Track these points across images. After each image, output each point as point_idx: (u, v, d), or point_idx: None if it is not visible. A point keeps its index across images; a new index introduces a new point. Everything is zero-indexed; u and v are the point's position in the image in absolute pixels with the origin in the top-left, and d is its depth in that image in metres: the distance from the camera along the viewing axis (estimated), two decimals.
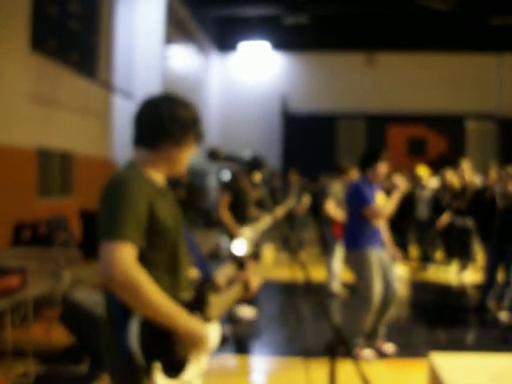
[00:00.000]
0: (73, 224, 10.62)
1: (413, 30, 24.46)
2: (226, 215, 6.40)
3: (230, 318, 6.43)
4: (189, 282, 2.21)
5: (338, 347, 2.19)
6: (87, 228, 6.57)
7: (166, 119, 2.16)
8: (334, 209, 8.03)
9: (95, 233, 6.21)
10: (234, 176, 6.68)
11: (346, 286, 8.17)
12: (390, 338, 5.73)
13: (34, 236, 9.10)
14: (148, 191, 2.07)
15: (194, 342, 2.03)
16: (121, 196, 1.99)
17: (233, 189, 6.54)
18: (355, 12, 23.37)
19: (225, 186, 6.63)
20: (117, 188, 2.02)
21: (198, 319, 2.08)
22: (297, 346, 5.94)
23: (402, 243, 11.12)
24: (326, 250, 12.38)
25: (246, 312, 6.79)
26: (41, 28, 10.40)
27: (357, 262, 5.42)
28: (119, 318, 1.98)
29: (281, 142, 25.36)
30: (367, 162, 5.57)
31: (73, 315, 5.24)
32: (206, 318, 2.14)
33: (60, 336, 5.64)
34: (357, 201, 5.46)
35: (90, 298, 5.33)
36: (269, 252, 7.72)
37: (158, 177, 2.21)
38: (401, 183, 5.45)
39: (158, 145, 2.18)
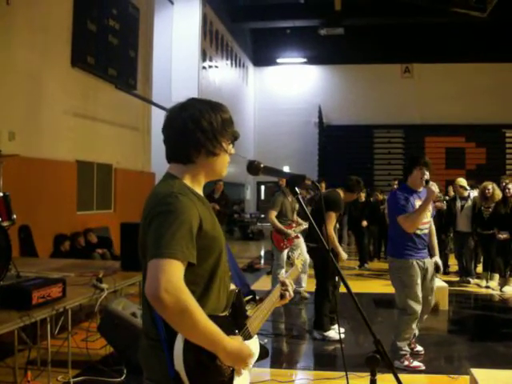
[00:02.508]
0: (112, 236, 10.76)
1: (450, 40, 24.21)
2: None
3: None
4: (229, 296, 2.15)
5: (378, 361, 2.16)
6: (126, 240, 6.62)
7: (194, 132, 2.08)
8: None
9: (134, 245, 6.24)
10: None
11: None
12: (430, 352, 5.66)
13: (74, 248, 9.23)
14: (196, 204, 2.01)
15: (238, 363, 1.98)
16: (172, 210, 1.91)
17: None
18: (391, 23, 23.20)
19: (332, 205, 6.49)
20: (167, 201, 1.94)
21: (239, 337, 2.02)
22: (337, 359, 5.91)
23: (442, 255, 10.96)
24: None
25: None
26: (81, 44, 10.63)
27: (399, 271, 5.40)
28: (164, 339, 1.92)
29: (317, 154, 25.26)
30: (406, 168, 5.57)
31: (111, 326, 5.28)
32: (247, 335, 2.10)
33: (98, 346, 5.70)
34: (393, 209, 5.47)
35: (128, 309, 5.37)
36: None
37: (198, 187, 2.15)
38: (434, 189, 5.36)
39: (193, 159, 2.11)
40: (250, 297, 2.26)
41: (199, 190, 2.14)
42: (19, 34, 8.89)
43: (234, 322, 2.07)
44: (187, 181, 2.10)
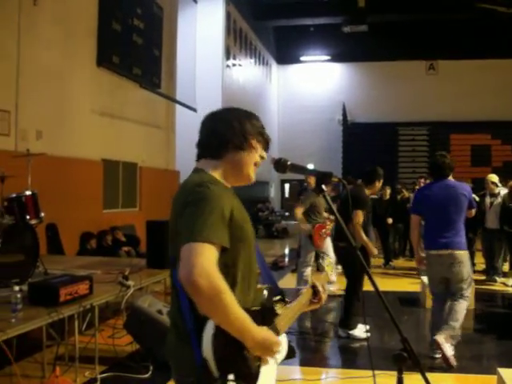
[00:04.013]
0: (137, 233, 10.84)
1: (475, 36, 23.94)
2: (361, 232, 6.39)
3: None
4: (258, 292, 2.16)
5: (405, 359, 2.15)
6: (152, 238, 6.67)
7: (223, 130, 2.14)
8: None
9: (160, 242, 6.28)
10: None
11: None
12: (456, 351, 5.61)
13: (100, 245, 9.32)
14: (227, 193, 2.05)
15: (265, 352, 1.99)
16: (204, 198, 1.93)
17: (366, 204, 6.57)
18: (415, 19, 23.01)
19: (359, 203, 6.46)
20: (198, 190, 1.97)
21: (266, 328, 2.02)
22: (363, 358, 5.90)
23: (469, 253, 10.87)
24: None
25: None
26: (106, 43, 10.74)
27: (468, 261, 5.62)
28: (191, 328, 1.94)
29: (342, 151, 25.16)
30: (452, 166, 5.78)
31: (137, 323, 5.33)
32: (275, 331, 2.08)
33: (124, 343, 5.76)
34: (472, 201, 5.75)
35: (154, 307, 5.42)
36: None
37: (227, 184, 2.17)
38: None
39: (221, 154, 2.15)
40: (279, 297, 2.26)
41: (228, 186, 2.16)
42: (46, 35, 9.00)
43: (263, 318, 2.07)
44: (215, 175, 2.13)
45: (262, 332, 1.97)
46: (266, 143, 2.24)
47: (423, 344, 5.74)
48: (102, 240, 9.48)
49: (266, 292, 2.16)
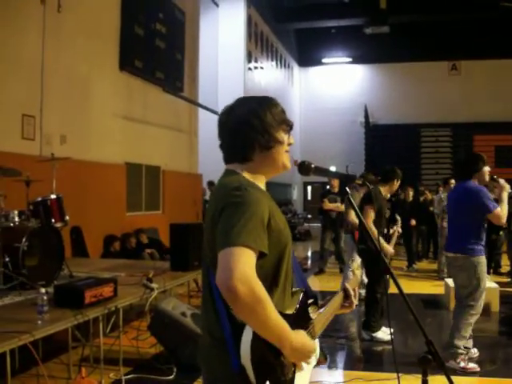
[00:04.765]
0: (161, 236, 10.91)
1: (498, 35, 23.68)
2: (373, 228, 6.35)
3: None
4: (294, 296, 2.13)
5: (430, 361, 2.14)
6: (175, 240, 6.72)
7: (245, 131, 2.07)
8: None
9: (183, 245, 6.31)
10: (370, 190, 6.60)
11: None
12: (481, 354, 5.57)
13: (123, 248, 9.40)
14: (265, 196, 2.00)
15: (301, 359, 1.97)
16: (242, 202, 1.88)
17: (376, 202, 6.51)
18: (437, 19, 22.83)
19: (368, 200, 6.43)
20: (236, 193, 1.91)
21: (303, 332, 2.00)
22: (387, 360, 5.88)
23: (492, 255, 10.77)
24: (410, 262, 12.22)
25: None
26: (129, 48, 10.84)
27: (476, 267, 5.29)
28: (228, 334, 1.89)
29: (364, 154, 25.05)
30: (473, 166, 5.47)
31: (161, 325, 5.37)
32: (311, 335, 2.07)
33: (148, 345, 5.80)
34: (483, 205, 5.28)
35: (178, 309, 5.45)
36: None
37: (261, 182, 2.12)
38: (504, 183, 5.36)
39: (250, 157, 2.10)
40: (312, 300, 2.24)
41: (261, 186, 2.11)
42: (69, 40, 9.11)
43: (298, 323, 2.02)
44: (248, 177, 2.08)
45: (300, 338, 1.94)
46: (290, 128, 2.18)
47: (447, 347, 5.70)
48: (125, 242, 9.56)
49: (300, 296, 2.14)
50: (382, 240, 6.46)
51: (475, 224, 5.33)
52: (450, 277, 5.78)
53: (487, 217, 5.29)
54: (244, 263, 1.77)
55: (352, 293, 2.41)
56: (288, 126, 2.17)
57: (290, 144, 2.17)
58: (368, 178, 8.45)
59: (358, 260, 2.35)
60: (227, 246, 1.80)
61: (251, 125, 2.07)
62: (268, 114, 2.10)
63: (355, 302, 2.42)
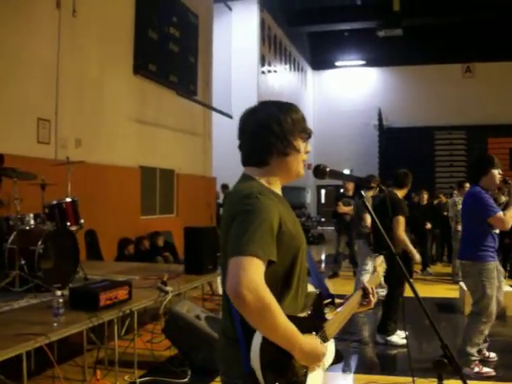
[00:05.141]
0: (175, 239, 10.94)
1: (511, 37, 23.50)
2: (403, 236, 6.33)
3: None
4: (309, 298, 2.15)
5: (446, 365, 2.13)
6: (190, 244, 6.73)
7: (264, 136, 2.09)
8: None
9: (198, 249, 6.33)
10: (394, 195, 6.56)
11: None
12: (498, 358, 5.54)
13: (138, 251, 9.44)
14: (276, 203, 2.01)
15: (312, 362, 1.99)
16: (252, 210, 1.92)
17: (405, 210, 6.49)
18: (451, 22, 22.72)
19: (399, 209, 6.42)
20: (247, 201, 1.95)
21: (314, 336, 2.03)
22: (401, 364, 5.86)
23: (508, 259, 10.70)
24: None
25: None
26: (142, 52, 10.89)
27: (482, 274, 5.19)
28: (240, 336, 1.95)
29: (378, 157, 24.98)
30: (481, 169, 5.37)
31: (176, 328, 5.39)
32: (323, 337, 2.09)
33: (162, 348, 5.82)
34: (481, 210, 5.20)
35: (193, 312, 5.47)
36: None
37: (275, 188, 2.14)
38: None
39: (267, 161, 2.12)
40: (329, 300, 2.25)
41: (277, 190, 2.14)
42: (84, 44, 9.18)
43: (312, 324, 2.06)
44: (264, 182, 2.11)
45: (310, 342, 1.96)
46: (308, 137, 2.20)
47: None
48: (139, 245, 9.60)
49: (317, 296, 2.15)
50: (411, 247, 6.44)
51: (480, 229, 5.22)
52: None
53: (488, 222, 5.14)
54: (252, 272, 1.81)
55: (370, 291, 2.41)
56: (307, 134, 2.19)
57: (307, 152, 2.20)
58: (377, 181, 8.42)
59: (382, 259, 2.34)
60: (236, 255, 1.85)
61: (271, 130, 2.09)
62: (288, 121, 2.12)
63: (374, 300, 2.42)
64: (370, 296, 2.41)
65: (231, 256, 1.86)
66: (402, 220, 6.29)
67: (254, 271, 1.81)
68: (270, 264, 1.90)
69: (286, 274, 2.03)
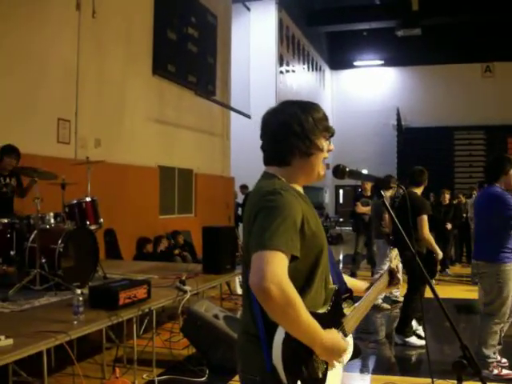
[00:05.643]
0: (193, 239, 10.98)
1: None
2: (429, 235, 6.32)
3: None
4: (328, 293, 2.14)
5: (465, 367, 2.11)
6: (208, 243, 6.75)
7: (286, 136, 2.09)
8: None
9: (216, 248, 6.35)
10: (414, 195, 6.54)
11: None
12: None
13: (156, 250, 9.48)
14: (299, 201, 2.01)
15: (333, 357, 1.99)
16: (275, 206, 1.91)
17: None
18: (470, 21, 22.51)
19: (423, 208, 6.39)
20: (270, 197, 1.95)
21: (335, 331, 2.03)
22: (420, 365, 5.83)
23: None
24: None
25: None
26: (161, 52, 10.94)
27: (498, 276, 5.15)
28: (262, 333, 1.95)
29: (396, 157, 24.83)
30: (501, 169, 5.30)
31: (194, 327, 5.41)
32: (343, 333, 2.09)
33: (181, 347, 5.85)
34: (504, 210, 5.14)
35: (211, 311, 5.49)
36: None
37: (298, 188, 2.14)
38: None
39: (289, 162, 2.12)
40: (347, 295, 2.26)
41: (298, 188, 2.14)
42: (103, 45, 9.25)
43: (332, 320, 2.06)
44: (286, 180, 2.11)
45: (331, 337, 1.96)
46: (331, 135, 2.20)
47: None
48: (157, 245, 9.64)
49: (335, 292, 2.15)
50: (436, 246, 6.40)
51: (499, 230, 5.17)
52: None
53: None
54: (276, 266, 1.81)
55: (397, 269, 2.47)
56: (329, 132, 2.19)
57: (329, 150, 2.19)
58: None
59: (397, 252, 2.33)
60: (260, 250, 1.84)
61: (293, 130, 2.09)
62: (310, 120, 2.11)
63: (401, 278, 2.49)
64: (398, 275, 2.47)
65: (254, 250, 1.86)
66: (425, 219, 6.26)
67: (278, 265, 1.81)
68: (292, 260, 1.90)
69: (308, 272, 2.03)
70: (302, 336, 1.88)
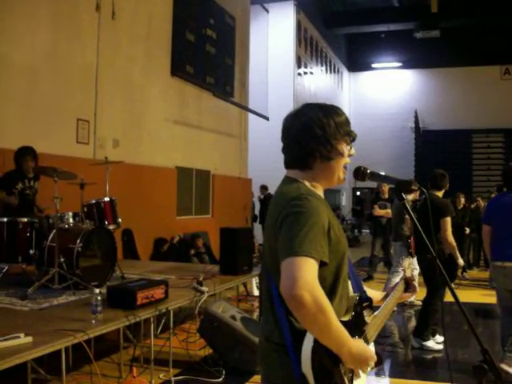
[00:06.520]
0: (210, 240, 11.00)
1: None
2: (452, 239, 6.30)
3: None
4: (350, 302, 2.13)
5: (486, 371, 2.09)
6: (226, 245, 6.76)
7: (308, 140, 2.07)
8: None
9: (233, 249, 6.37)
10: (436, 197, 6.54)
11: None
12: None
13: (173, 251, 9.51)
14: (324, 206, 2.01)
15: (360, 365, 1.97)
16: (304, 211, 1.90)
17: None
18: (489, 23, 22.35)
19: (447, 210, 6.37)
20: (297, 203, 1.93)
21: (361, 340, 2.03)
22: (437, 370, 5.80)
23: None
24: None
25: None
26: (180, 54, 10.99)
27: None
28: (289, 341, 1.93)
29: (414, 159, 24.69)
30: None
31: (211, 328, 5.42)
32: (365, 341, 2.08)
33: (197, 347, 5.86)
34: None
35: (228, 312, 5.49)
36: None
37: (319, 191, 2.13)
38: None
39: (310, 165, 2.10)
40: (367, 303, 2.25)
41: (320, 194, 2.12)
42: (123, 46, 9.31)
43: (355, 328, 2.05)
44: (307, 185, 2.09)
45: (358, 345, 1.95)
46: (353, 140, 2.18)
47: (497, 358, 5.57)
48: (175, 246, 9.67)
49: (358, 300, 2.14)
50: (457, 251, 6.37)
51: None
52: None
53: None
54: (307, 272, 1.80)
55: (413, 278, 2.48)
56: (351, 137, 2.17)
57: (350, 155, 2.17)
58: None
59: (409, 260, 2.30)
60: (290, 256, 1.83)
61: (314, 134, 2.07)
62: (332, 124, 2.09)
63: (417, 286, 2.49)
64: (414, 283, 2.47)
65: (284, 257, 1.84)
66: (449, 221, 6.22)
67: (309, 272, 1.80)
68: (320, 266, 1.89)
69: (333, 278, 2.02)
70: (332, 343, 1.86)
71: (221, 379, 5.10)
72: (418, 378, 5.54)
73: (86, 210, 6.12)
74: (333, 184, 2.19)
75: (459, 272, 11.19)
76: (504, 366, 5.19)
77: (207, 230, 11.44)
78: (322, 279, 1.90)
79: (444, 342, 6.00)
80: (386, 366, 6.04)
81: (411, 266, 2.58)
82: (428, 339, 6.40)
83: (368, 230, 15.35)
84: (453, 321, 7.14)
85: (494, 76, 25.72)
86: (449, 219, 6.22)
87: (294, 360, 1.90)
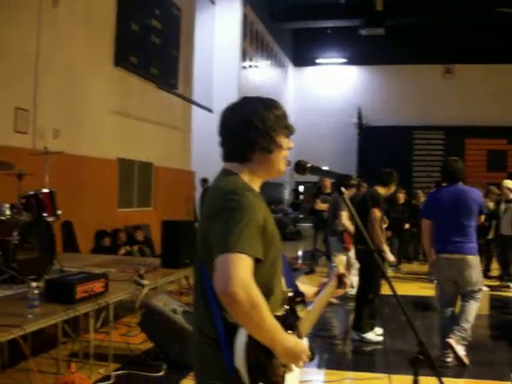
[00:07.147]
0: (152, 233, 10.90)
1: (492, 40, 23.76)
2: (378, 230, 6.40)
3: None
4: (283, 297, 2.14)
5: (422, 362, 2.14)
6: (167, 237, 6.71)
7: (247, 132, 2.07)
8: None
9: (175, 242, 6.32)
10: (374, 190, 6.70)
11: None
12: (470, 357, 5.60)
13: (114, 244, 9.38)
14: (260, 202, 2.01)
15: (293, 360, 1.99)
16: (239, 207, 1.89)
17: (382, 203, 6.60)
18: (432, 23, 22.89)
19: (376, 202, 6.52)
20: (233, 197, 1.92)
21: (294, 335, 2.04)
22: (377, 361, 5.90)
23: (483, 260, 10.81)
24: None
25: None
26: (124, 44, 10.82)
27: (476, 266, 5.65)
28: (222, 336, 1.93)
29: (357, 155, 25.06)
30: None
31: (152, 321, 5.37)
32: (298, 336, 2.10)
33: (138, 341, 5.80)
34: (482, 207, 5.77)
35: (169, 306, 5.45)
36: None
37: (255, 185, 2.12)
38: None
39: (249, 157, 2.10)
40: (300, 298, 2.26)
41: (256, 188, 2.12)
42: (64, 35, 9.08)
43: (288, 322, 2.06)
44: (245, 178, 2.08)
45: (292, 340, 1.97)
46: (291, 133, 2.21)
47: (435, 349, 5.72)
48: (115, 239, 9.54)
49: (289, 295, 2.15)
50: (385, 246, 6.50)
51: (475, 224, 5.70)
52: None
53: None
54: (242, 269, 1.79)
55: (346, 274, 2.49)
56: (289, 130, 2.20)
57: (289, 148, 2.20)
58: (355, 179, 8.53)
59: (341, 257, 2.34)
60: (225, 252, 1.82)
61: (254, 126, 2.08)
62: (271, 117, 2.12)
63: (349, 282, 2.50)
64: (346, 279, 2.47)
65: (219, 253, 1.83)
66: (376, 211, 6.39)
67: (244, 269, 1.80)
68: (255, 263, 1.88)
69: (268, 274, 2.02)
70: (265, 338, 1.87)
71: (162, 373, 5.07)
72: (356, 369, 5.63)
73: (24, 201, 5.94)
74: (272, 176, 2.20)
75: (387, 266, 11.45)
76: (452, 342, 5.42)
77: (149, 223, 11.33)
78: (257, 276, 1.89)
79: (383, 334, 6.11)
80: (327, 358, 6.12)
81: (351, 260, 2.61)
82: (367, 331, 6.51)
83: (309, 224, 15.47)
84: (393, 313, 7.28)
85: (436, 75, 26.32)
86: (375, 210, 6.39)
87: (227, 354, 1.90)
